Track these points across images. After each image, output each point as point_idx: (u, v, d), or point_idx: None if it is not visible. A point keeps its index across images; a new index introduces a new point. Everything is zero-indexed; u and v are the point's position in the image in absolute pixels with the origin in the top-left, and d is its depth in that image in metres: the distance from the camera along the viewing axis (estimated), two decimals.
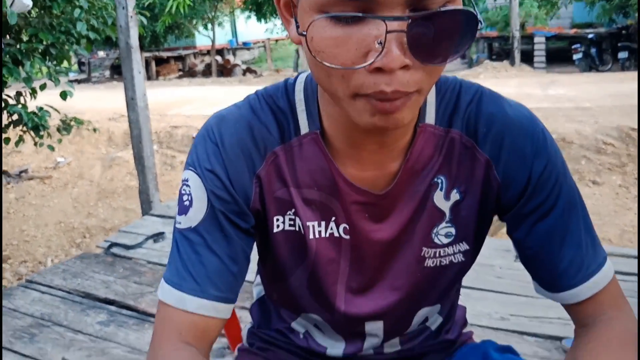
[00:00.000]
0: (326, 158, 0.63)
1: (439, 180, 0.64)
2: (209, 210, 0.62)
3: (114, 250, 2.59)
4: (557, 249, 0.63)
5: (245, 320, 0.92)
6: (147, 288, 2.21)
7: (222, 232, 0.62)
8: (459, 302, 0.86)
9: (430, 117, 0.64)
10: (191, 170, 0.64)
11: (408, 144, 0.63)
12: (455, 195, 0.65)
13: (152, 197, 3.09)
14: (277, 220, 0.66)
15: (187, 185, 0.63)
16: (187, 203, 0.63)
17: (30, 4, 2.55)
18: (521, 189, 0.63)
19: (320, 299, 0.70)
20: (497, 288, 2.06)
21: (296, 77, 0.67)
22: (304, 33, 0.47)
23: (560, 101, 6.58)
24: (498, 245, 2.34)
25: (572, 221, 0.64)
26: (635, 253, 2.37)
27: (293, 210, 0.65)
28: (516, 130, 0.63)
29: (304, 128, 0.64)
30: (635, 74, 9.44)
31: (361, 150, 0.61)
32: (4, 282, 3.35)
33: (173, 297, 0.62)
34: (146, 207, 3.13)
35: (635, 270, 2.16)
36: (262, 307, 0.84)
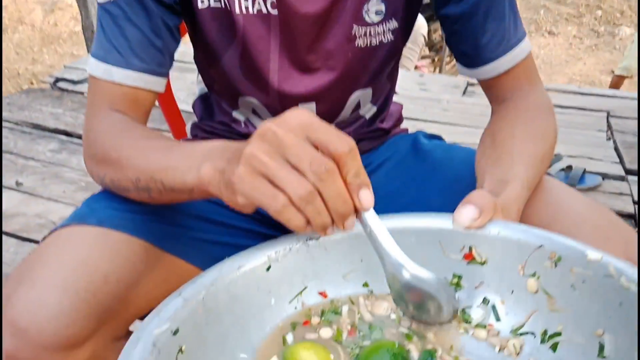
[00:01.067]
0: None
1: None
2: None
3: (61, 84, 2.51)
4: (482, 22, 0.65)
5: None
6: None
7: (142, 4, 0.61)
8: (396, 100, 0.88)
9: None
10: None
11: None
12: None
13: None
14: None
15: None
16: None
17: None
18: None
19: (254, 78, 0.71)
20: (442, 119, 2.14)
21: None
22: None
23: None
24: (447, 82, 2.40)
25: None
26: (575, 89, 2.48)
27: None
28: None
29: None
30: None
31: None
32: None
33: (100, 69, 0.62)
34: (90, 44, 2.96)
35: (573, 104, 2.28)
36: (204, 102, 0.85)
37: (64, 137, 2.06)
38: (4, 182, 1.78)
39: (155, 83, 0.65)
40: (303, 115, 0.40)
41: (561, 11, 4.58)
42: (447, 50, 3.04)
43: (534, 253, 0.44)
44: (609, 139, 1.98)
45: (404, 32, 0.71)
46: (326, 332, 0.46)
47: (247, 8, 0.65)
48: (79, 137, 2.06)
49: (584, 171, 1.70)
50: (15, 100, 2.35)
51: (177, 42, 0.67)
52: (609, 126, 2.06)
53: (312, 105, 0.74)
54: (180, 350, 0.39)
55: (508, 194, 0.51)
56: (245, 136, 0.80)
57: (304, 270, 0.47)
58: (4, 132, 2.10)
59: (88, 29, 2.94)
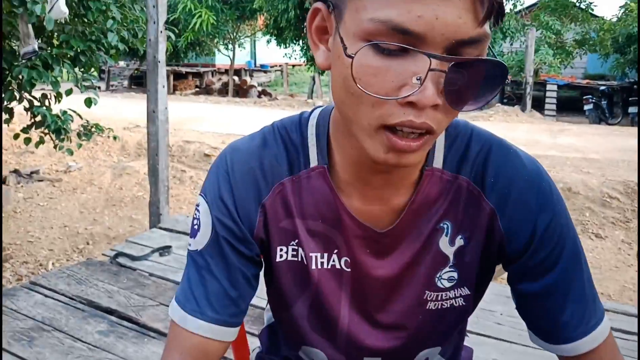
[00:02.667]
0: (332, 191, 0.65)
1: (445, 226, 0.66)
2: (212, 236, 0.66)
3: (120, 259, 2.61)
4: (561, 302, 0.65)
5: (255, 345, 0.94)
6: (149, 301, 2.22)
7: (224, 257, 0.66)
8: (466, 344, 0.86)
9: (438, 162, 0.65)
10: (202, 196, 0.68)
11: (414, 184, 0.65)
12: (459, 241, 0.66)
13: (162, 209, 3.13)
14: (281, 250, 0.68)
15: (198, 211, 0.68)
16: (196, 227, 0.68)
17: (67, 11, 2.64)
18: (525, 243, 0.64)
19: (321, 330, 0.72)
20: (496, 334, 2.06)
21: (311, 112, 0.70)
22: (352, 55, 0.48)
23: (568, 150, 6.62)
24: (500, 291, 2.35)
25: (575, 276, 0.65)
26: (636, 312, 2.37)
27: (297, 240, 0.68)
28: (523, 183, 0.64)
29: (314, 161, 0.66)
30: None
31: (367, 185, 0.64)
32: (4, 282, 3.37)
33: (177, 315, 0.66)
34: (155, 219, 3.15)
35: (636, 330, 2.16)
36: (271, 333, 0.86)
37: (114, 319, 2.07)
38: None
39: (226, 333, 0.66)
40: None
41: (607, 214, 4.62)
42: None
43: None
44: None
45: (476, 297, 0.71)
46: None
47: (322, 263, 0.68)
48: (128, 319, 2.07)
49: None
50: (75, 273, 2.44)
51: (254, 289, 0.70)
52: None
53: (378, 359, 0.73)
54: None
55: None
56: None
57: None
58: (59, 306, 2.15)
59: (154, 204, 3.16)
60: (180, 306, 0.66)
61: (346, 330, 0.71)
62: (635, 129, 9.73)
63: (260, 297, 0.76)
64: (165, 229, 3.09)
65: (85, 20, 3.18)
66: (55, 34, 3.19)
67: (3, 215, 3.27)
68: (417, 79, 0.47)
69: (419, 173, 0.65)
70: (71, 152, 3.58)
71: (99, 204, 5.26)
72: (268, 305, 0.86)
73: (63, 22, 2.99)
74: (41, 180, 5.79)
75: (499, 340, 2.02)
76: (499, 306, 2.26)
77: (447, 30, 0.46)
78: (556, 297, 0.65)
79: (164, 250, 2.72)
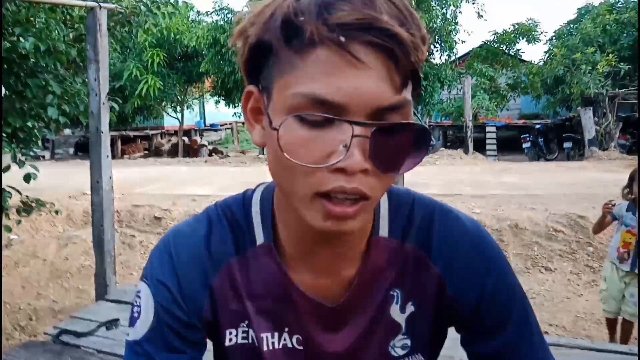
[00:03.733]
0: (279, 269, 0.65)
1: (395, 294, 0.66)
2: (154, 323, 0.64)
3: (63, 337, 2.46)
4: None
5: None
6: None
7: (166, 345, 0.63)
8: None
9: (383, 231, 0.66)
10: (143, 281, 0.66)
11: (362, 255, 0.65)
12: (410, 308, 0.67)
13: (109, 281, 3.01)
14: (230, 333, 0.67)
15: (138, 297, 0.66)
16: (136, 315, 0.65)
17: (3, 90, 2.59)
18: (475, 306, 0.65)
19: None
20: None
21: (254, 190, 0.70)
22: (277, 128, 0.50)
23: (512, 189, 6.88)
24: (458, 336, 2.36)
25: (526, 332, 0.66)
26: (590, 345, 2.42)
27: (247, 321, 0.66)
28: (467, 247, 0.66)
29: (259, 239, 0.66)
30: (579, 163, 10.06)
31: (314, 258, 0.63)
32: None
33: None
34: (101, 291, 3.02)
35: None
36: None
37: None
38: None
39: None
40: None
41: (554, 247, 4.79)
42: None
43: None
44: None
45: None
46: None
47: (273, 343, 0.66)
48: None
49: None
50: (13, 358, 2.28)
51: None
52: None
53: None
54: None
55: None
56: None
57: None
58: None
59: (100, 275, 3.03)
60: None
61: None
62: (571, 163, 10.29)
63: None
64: (112, 301, 2.95)
65: (24, 95, 3.11)
66: None
67: None
68: (343, 146, 0.49)
69: (366, 243, 0.65)
70: (9, 229, 3.41)
71: (43, 277, 5.00)
72: None
73: None
74: None
75: None
76: (459, 352, 2.25)
77: (367, 99, 0.49)
78: (510, 357, 0.66)
79: (111, 324, 2.59)
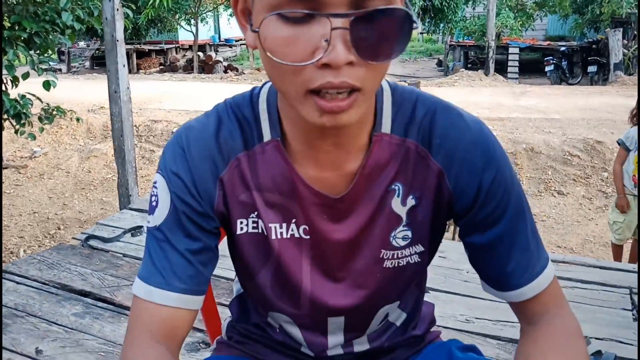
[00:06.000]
0: (286, 163, 0.68)
1: (396, 187, 0.69)
2: (171, 211, 0.68)
3: (91, 242, 2.60)
4: (506, 252, 0.69)
5: (226, 315, 0.97)
6: (124, 281, 2.23)
7: (184, 230, 0.68)
8: (427, 299, 0.90)
9: (386, 127, 0.68)
10: (159, 173, 0.70)
11: (365, 150, 0.68)
12: (411, 201, 0.70)
13: (131, 190, 3.11)
14: (241, 223, 0.71)
15: (155, 187, 0.70)
16: (154, 204, 0.69)
17: None
18: (472, 199, 0.68)
19: (285, 296, 0.75)
20: (463, 291, 2.15)
21: (261, 87, 0.72)
22: (257, 30, 0.51)
23: (530, 112, 6.77)
24: (472, 267, 2.44)
25: (520, 227, 0.69)
26: (595, 262, 2.50)
27: (256, 213, 0.70)
28: (467, 143, 0.68)
29: (267, 135, 0.68)
30: (602, 88, 9.76)
31: (318, 151, 0.66)
32: None
33: (142, 290, 0.67)
34: (125, 200, 3.14)
35: (594, 279, 2.28)
36: (240, 303, 0.89)
37: (89, 301, 2.08)
38: (24, 349, 1.77)
39: (194, 302, 0.69)
40: None
41: (568, 172, 4.78)
42: None
43: None
44: (635, 319, 1.95)
45: (430, 253, 0.75)
46: None
47: (281, 233, 0.71)
48: (103, 300, 2.09)
49: (615, 357, 1.65)
50: (46, 258, 2.43)
51: (216, 258, 0.72)
52: (634, 305, 2.04)
53: (341, 319, 0.76)
54: None
55: None
56: (280, 344, 0.82)
57: None
58: (32, 292, 2.14)
59: (123, 185, 3.14)
60: (145, 281, 0.67)
61: (309, 294, 0.74)
62: (594, 88, 9.99)
63: (231, 270, 0.79)
64: (135, 210, 3.07)
65: (37, 0, 3.06)
66: (5, 15, 3.08)
67: None
68: (325, 41, 0.49)
69: (368, 139, 0.67)
70: (33, 137, 3.50)
71: (68, 189, 5.18)
72: (236, 277, 0.89)
73: (13, 2, 2.88)
74: (6, 168, 5.64)
75: (466, 297, 2.11)
76: (466, 265, 2.34)
77: None
78: (502, 248, 0.69)
79: (136, 230, 2.72)
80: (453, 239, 3.15)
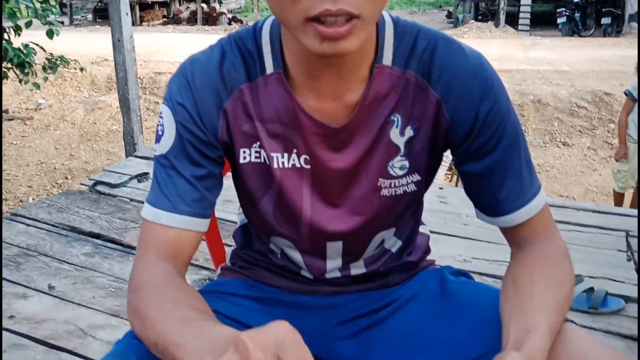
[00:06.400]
0: (288, 94, 0.69)
1: (395, 118, 0.71)
2: (177, 139, 0.70)
3: (99, 188, 2.65)
4: (499, 180, 0.71)
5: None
6: (131, 224, 2.29)
7: (189, 158, 0.70)
8: (423, 231, 0.93)
9: (387, 59, 0.69)
10: (165, 103, 0.72)
11: (365, 81, 0.69)
12: (409, 132, 0.71)
13: (137, 139, 3.14)
14: (244, 152, 0.73)
15: (161, 117, 0.72)
16: (160, 133, 0.72)
17: None
18: (468, 129, 0.70)
19: (286, 222, 0.78)
20: (462, 234, 2.19)
21: (264, 21, 0.72)
22: None
23: (540, 64, 6.65)
24: (466, 196, 2.47)
25: (513, 156, 0.71)
26: (595, 207, 2.53)
27: (258, 143, 0.72)
28: (466, 74, 0.69)
29: (269, 68, 0.70)
30: (615, 40, 9.53)
31: (320, 82, 0.67)
32: None
33: (150, 213, 0.71)
34: (130, 148, 3.17)
35: (592, 223, 2.32)
36: (244, 232, 0.92)
37: (98, 242, 2.15)
38: (38, 285, 1.85)
39: (200, 224, 0.72)
40: (281, 332, 0.41)
41: (575, 123, 4.76)
42: None
43: None
44: (629, 259, 1.99)
45: (426, 182, 0.78)
46: None
47: (283, 163, 0.73)
48: (112, 241, 2.15)
49: (606, 294, 1.70)
50: (55, 202, 2.49)
51: (220, 186, 0.75)
52: (629, 246, 2.08)
53: (339, 243, 0.80)
54: None
55: (533, 344, 0.54)
56: (281, 268, 0.86)
57: None
58: (42, 233, 2.21)
59: (128, 134, 3.16)
60: (153, 205, 0.70)
61: (309, 220, 0.77)
62: (606, 40, 9.76)
63: (235, 214, 0.81)
64: (141, 157, 3.11)
65: None
66: None
67: None
68: None
69: (369, 71, 0.69)
70: (38, 86, 3.50)
71: (74, 140, 5.22)
72: (240, 209, 0.92)
73: None
74: (12, 119, 5.67)
75: (465, 239, 2.16)
76: (465, 209, 2.38)
77: None
78: (496, 177, 0.71)
79: (142, 176, 2.76)
80: (456, 185, 3.17)
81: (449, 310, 0.80)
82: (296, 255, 0.82)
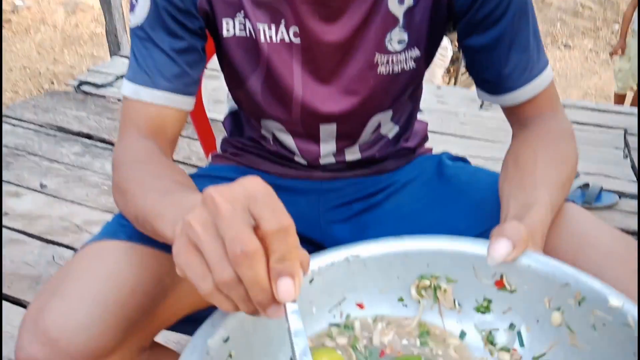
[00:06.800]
0: None
1: None
2: (152, 8, 0.64)
3: (84, 88, 2.56)
4: (505, 53, 0.66)
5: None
6: None
7: (166, 28, 0.65)
8: (421, 118, 0.89)
9: None
10: None
11: None
12: (409, 1, 0.65)
13: (121, 37, 2.99)
14: (227, 23, 0.67)
15: None
16: (134, 1, 0.66)
17: None
18: None
19: (277, 102, 0.73)
20: (459, 133, 2.17)
21: None
22: None
23: None
24: (464, 95, 2.41)
25: (521, 27, 0.66)
26: (594, 106, 2.49)
27: (242, 12, 0.66)
28: None
29: None
30: None
31: None
32: None
33: (129, 89, 0.66)
34: (114, 48, 3.03)
35: (591, 121, 2.29)
36: (234, 119, 0.88)
37: (87, 141, 2.11)
38: (29, 183, 1.83)
39: (182, 102, 0.67)
40: (251, 184, 0.36)
41: (578, 25, 4.58)
42: (462, 61, 3.07)
43: (560, 289, 0.45)
44: (626, 156, 1.99)
45: (426, 59, 0.73)
46: (342, 340, 0.49)
47: (270, 37, 0.67)
48: (102, 140, 2.11)
49: (601, 189, 1.71)
50: (40, 103, 2.41)
51: (203, 62, 0.70)
52: (626, 144, 2.07)
53: (333, 126, 0.76)
54: (230, 355, 0.42)
55: (533, 218, 0.52)
56: (273, 153, 0.82)
57: (344, 283, 0.50)
58: (30, 133, 2.16)
59: (111, 33, 3.01)
60: (132, 81, 0.66)
61: (300, 99, 0.72)
62: None
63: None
64: (125, 57, 2.99)
65: None
66: None
67: None
68: None
69: None
70: None
71: (57, 43, 5.00)
72: (229, 95, 0.87)
73: None
74: None
75: (462, 137, 2.14)
76: (463, 108, 2.34)
77: None
78: (501, 49, 0.66)
79: None
80: (455, 84, 3.10)
81: (446, 193, 0.78)
82: (288, 139, 0.79)
